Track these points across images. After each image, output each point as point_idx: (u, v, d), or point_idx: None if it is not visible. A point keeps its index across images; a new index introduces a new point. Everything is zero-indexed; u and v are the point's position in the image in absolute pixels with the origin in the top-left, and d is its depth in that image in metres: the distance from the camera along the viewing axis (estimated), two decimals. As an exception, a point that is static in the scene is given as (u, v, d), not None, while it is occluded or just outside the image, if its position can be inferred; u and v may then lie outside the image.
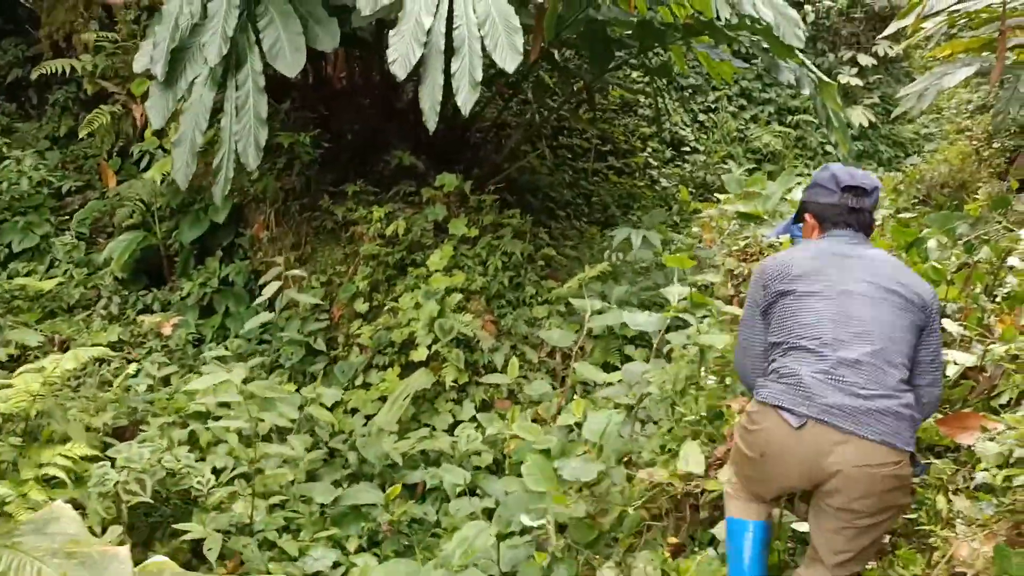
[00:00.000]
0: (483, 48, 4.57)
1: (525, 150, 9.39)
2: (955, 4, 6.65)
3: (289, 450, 3.58)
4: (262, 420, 3.48)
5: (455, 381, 5.08)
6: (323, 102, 7.00)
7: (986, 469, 2.47)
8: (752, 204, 5.15)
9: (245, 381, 4.40)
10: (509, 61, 4.49)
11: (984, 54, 8.25)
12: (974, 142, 11.34)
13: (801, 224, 2.69)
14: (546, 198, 8.92)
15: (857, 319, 2.26)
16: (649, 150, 10.46)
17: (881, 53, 12.73)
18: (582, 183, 9.58)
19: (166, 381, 4.55)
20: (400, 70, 4.44)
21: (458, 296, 5.29)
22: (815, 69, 6.05)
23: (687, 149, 10.83)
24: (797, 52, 5.69)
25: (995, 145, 10.20)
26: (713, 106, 11.48)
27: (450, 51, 4.62)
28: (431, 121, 4.55)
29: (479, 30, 4.57)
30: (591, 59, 7.23)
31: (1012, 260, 3.88)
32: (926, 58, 12.74)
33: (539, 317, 5.65)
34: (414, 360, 5.10)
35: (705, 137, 11.13)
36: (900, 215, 8.27)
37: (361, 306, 5.38)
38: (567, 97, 8.25)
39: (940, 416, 3.01)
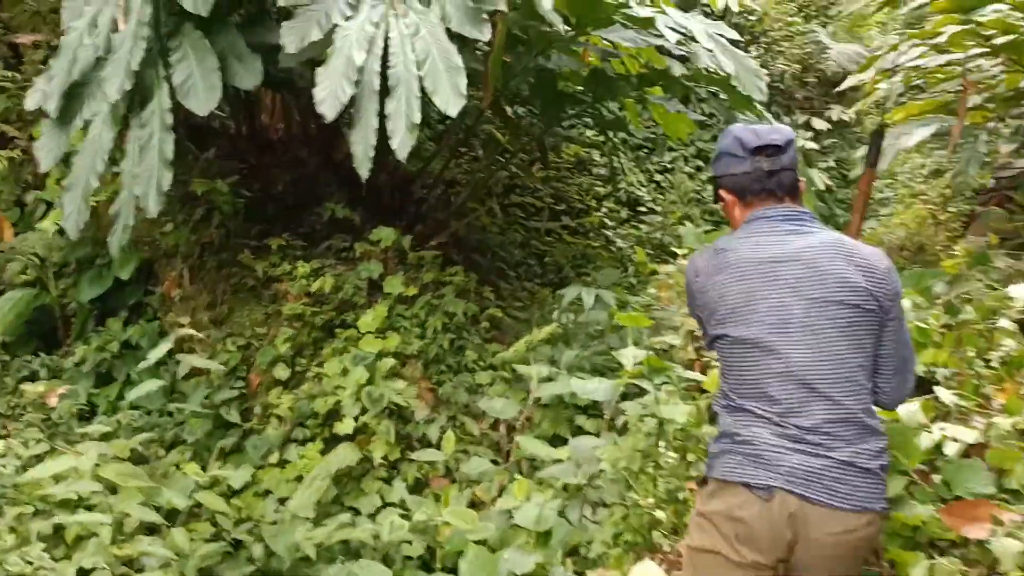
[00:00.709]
0: (422, 89, 4.14)
1: (474, 207, 8.98)
2: (914, 60, 6.45)
3: (162, 550, 2.96)
4: (131, 512, 2.89)
5: (385, 457, 4.50)
6: (256, 151, 6.52)
7: (1020, 580, 1.99)
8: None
9: (136, 460, 3.81)
10: (452, 104, 4.06)
11: (940, 115, 8.10)
12: (929, 206, 11.25)
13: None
14: (495, 257, 8.48)
15: (806, 367, 1.94)
16: (604, 210, 10.12)
17: (835, 118, 12.71)
18: (534, 243, 9.17)
19: (40, 461, 3.90)
20: (329, 110, 3.98)
21: (391, 361, 4.75)
22: (775, 122, 5.74)
23: (643, 209, 10.52)
24: (756, 104, 5.37)
25: (951, 209, 10.08)
26: (669, 166, 11.24)
27: (385, 91, 4.19)
28: (364, 168, 4.08)
29: (418, 69, 4.15)
30: (542, 111, 6.88)
31: (1002, 321, 3.48)
32: (884, 120, 12.73)
33: (482, 384, 5.13)
34: (339, 433, 4.52)
35: (662, 198, 10.84)
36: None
37: (282, 372, 4.80)
38: (517, 151, 7.85)
39: (942, 504, 2.55)
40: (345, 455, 4.36)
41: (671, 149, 11.27)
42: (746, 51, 12.38)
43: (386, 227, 5.60)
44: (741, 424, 1.97)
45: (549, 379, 4.59)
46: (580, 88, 6.51)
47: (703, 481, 2.05)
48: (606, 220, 9.91)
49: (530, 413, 4.79)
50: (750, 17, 12.30)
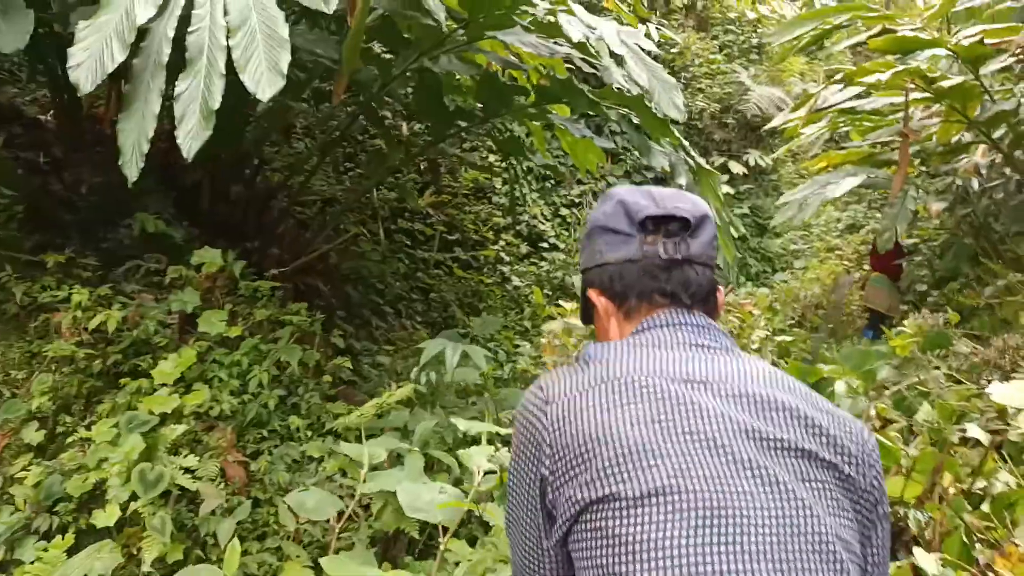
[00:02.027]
0: (230, 64, 3.06)
1: (353, 231, 7.89)
2: (848, 101, 5.73)
3: None
4: None
5: (161, 559, 3.33)
6: (67, 143, 5.29)
7: None
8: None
9: None
10: (266, 83, 2.98)
11: (864, 167, 7.49)
12: (844, 262, 10.74)
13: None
14: (371, 290, 7.39)
15: (765, 545, 0.94)
16: (502, 243, 9.15)
17: (752, 163, 12.16)
18: (420, 275, 8.12)
19: None
20: (84, 78, 2.86)
21: (182, 426, 3.59)
22: (694, 154, 4.87)
23: (545, 246, 9.61)
24: (673, 128, 4.49)
25: (865, 267, 9.53)
26: (577, 200, 10.39)
27: (181, 65, 3.09)
28: (131, 167, 2.96)
29: (228, 39, 3.07)
30: (429, 123, 5.89)
31: (971, 429, 2.60)
32: (800, 168, 12.23)
33: (313, 457, 4.01)
34: (99, 525, 3.33)
35: (567, 234, 9.96)
36: (778, 337, 7.22)
37: (34, 435, 3.58)
38: (409, 170, 6.82)
39: None
40: (98, 558, 3.17)
41: (580, 182, 10.43)
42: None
43: (213, 248, 4.46)
44: None
45: (399, 457, 3.56)
46: (477, 107, 5.55)
47: None
48: (503, 255, 8.95)
49: (367, 501, 3.70)
50: (671, 50, 11.65)
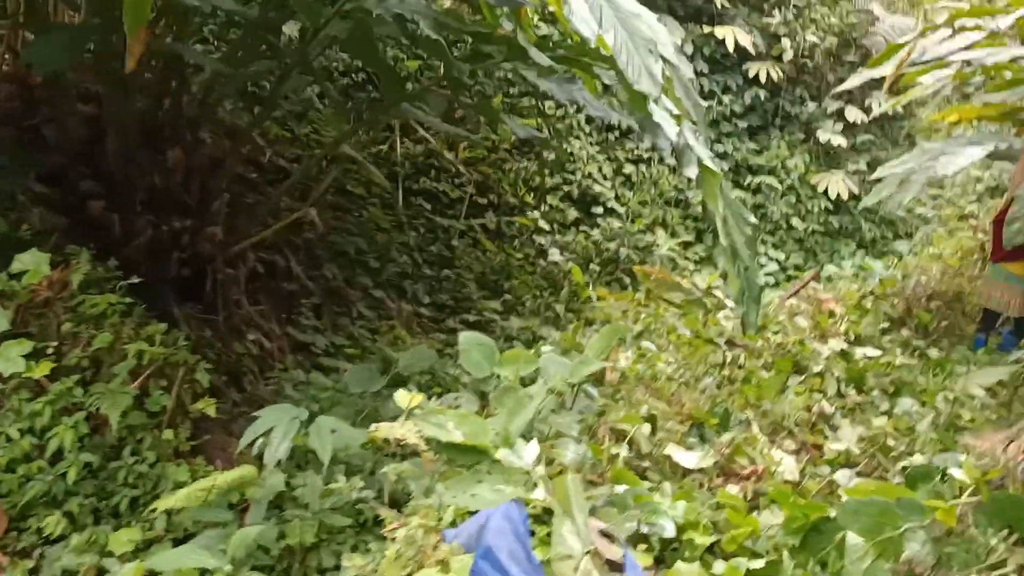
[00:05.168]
0: None
1: (358, 195, 6.80)
2: (957, 52, 4.03)
3: None
4: None
5: None
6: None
7: None
8: (497, 420, 2.44)
9: None
10: None
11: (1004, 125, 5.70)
12: (979, 234, 8.70)
13: None
14: (363, 268, 6.30)
15: None
16: (545, 208, 7.80)
17: (876, 108, 10.10)
18: (435, 248, 6.95)
19: None
20: None
21: None
22: (698, 144, 3.39)
23: (600, 210, 8.17)
24: (652, 102, 3.04)
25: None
26: (646, 156, 8.82)
27: None
28: None
29: None
30: (381, 83, 4.63)
31: None
32: (932, 120, 10.12)
33: (113, 556, 2.99)
34: None
35: (629, 195, 8.47)
36: (860, 350, 5.63)
37: None
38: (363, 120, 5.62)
39: None
40: None
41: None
42: (768, 15, 9.80)
43: (42, 251, 3.44)
44: None
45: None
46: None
47: None
48: (542, 223, 7.60)
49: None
50: (777, -29, 9.69)
